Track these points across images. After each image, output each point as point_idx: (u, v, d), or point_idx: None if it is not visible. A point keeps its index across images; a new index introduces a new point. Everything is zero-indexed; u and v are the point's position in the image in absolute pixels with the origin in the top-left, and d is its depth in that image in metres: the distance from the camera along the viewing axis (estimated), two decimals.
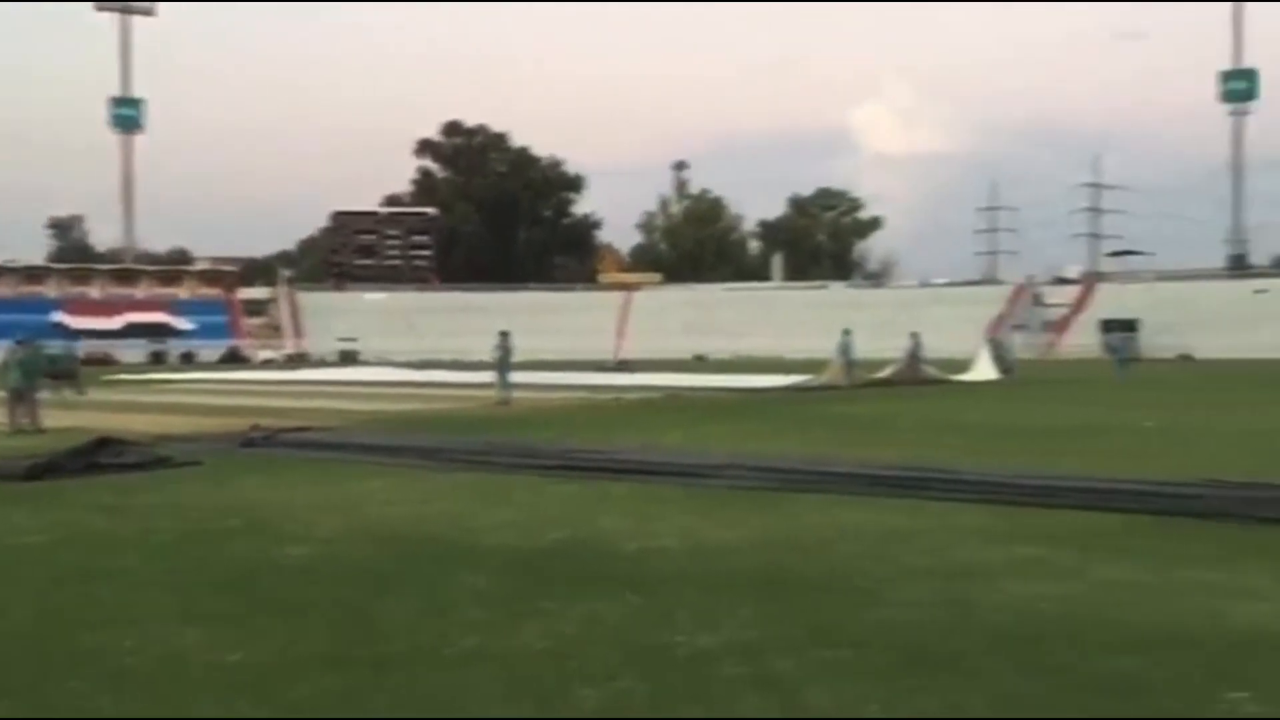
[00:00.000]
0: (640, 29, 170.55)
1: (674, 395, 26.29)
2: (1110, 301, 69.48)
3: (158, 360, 64.85)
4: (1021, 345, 58.12)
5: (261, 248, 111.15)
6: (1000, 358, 36.28)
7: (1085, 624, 5.66)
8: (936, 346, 36.78)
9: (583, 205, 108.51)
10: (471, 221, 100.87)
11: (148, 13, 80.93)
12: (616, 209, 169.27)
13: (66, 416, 19.29)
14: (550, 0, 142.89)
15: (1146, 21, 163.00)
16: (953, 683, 4.75)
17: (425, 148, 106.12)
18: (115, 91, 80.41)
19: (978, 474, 10.84)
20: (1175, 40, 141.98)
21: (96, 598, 6.53)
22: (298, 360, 65.06)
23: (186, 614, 6.07)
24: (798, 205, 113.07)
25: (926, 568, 7.07)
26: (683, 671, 4.94)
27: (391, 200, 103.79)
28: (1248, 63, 77.77)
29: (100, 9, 79.71)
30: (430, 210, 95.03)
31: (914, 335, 33.94)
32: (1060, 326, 70.51)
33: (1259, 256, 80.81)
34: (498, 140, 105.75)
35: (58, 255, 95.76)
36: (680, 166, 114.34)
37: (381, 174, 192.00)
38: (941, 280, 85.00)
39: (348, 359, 65.32)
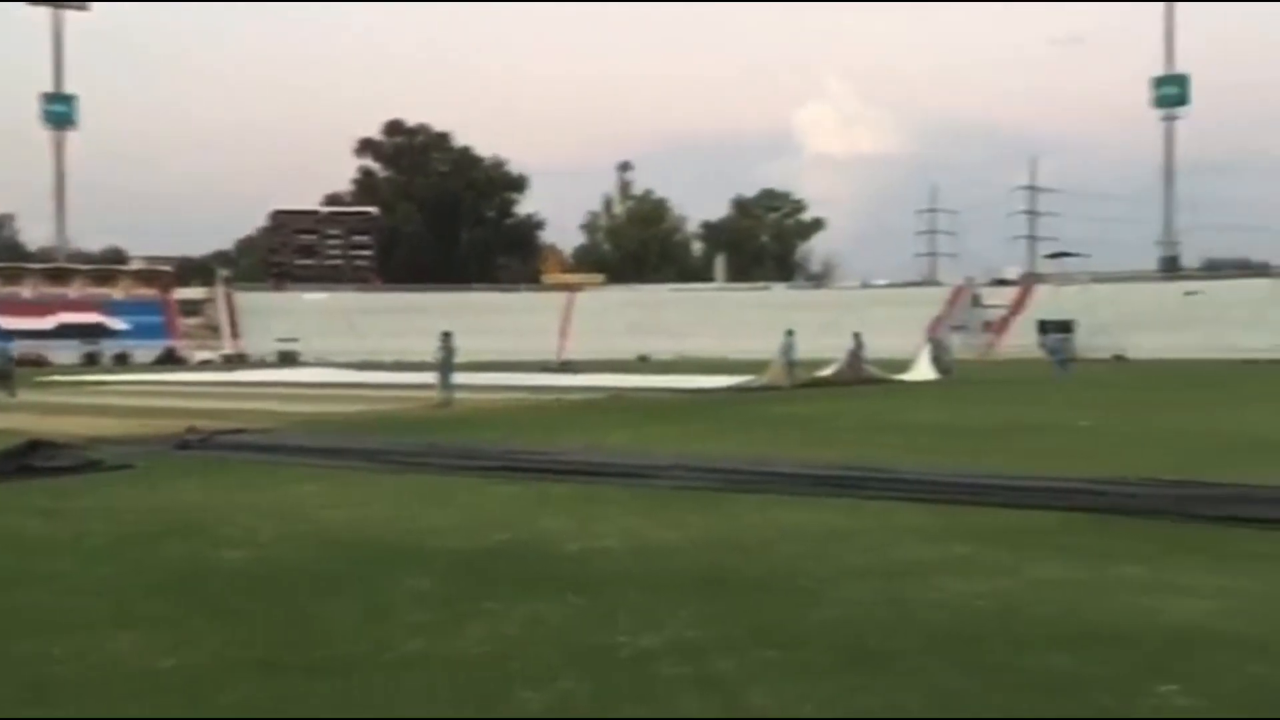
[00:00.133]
0: (583, 29, 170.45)
1: (617, 396, 26.28)
2: (1047, 303, 70.60)
3: (91, 361, 63.62)
4: (961, 346, 58.82)
5: (198, 247, 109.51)
6: (939, 358, 36.72)
7: (1021, 621, 5.73)
8: (877, 347, 37.14)
9: (526, 205, 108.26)
10: (413, 221, 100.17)
11: (81, 8, 79.37)
12: (560, 209, 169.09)
13: None
14: (493, 1, 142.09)
15: (1084, 27, 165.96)
16: (891, 681, 4.79)
17: (366, 147, 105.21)
18: (47, 87, 78.77)
19: (916, 473, 10.96)
20: (1111, 46, 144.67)
21: (27, 603, 6.39)
22: (236, 361, 64.16)
23: (119, 619, 5.96)
24: (741, 206, 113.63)
25: (866, 567, 7.13)
26: (625, 672, 4.93)
27: (332, 200, 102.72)
28: (1179, 68, 79.46)
29: (33, 4, 78.05)
30: (371, 210, 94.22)
31: (856, 335, 34.29)
32: (999, 327, 71.49)
33: (1190, 259, 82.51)
34: (440, 140, 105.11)
35: None
36: (624, 167, 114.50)
37: (321, 173, 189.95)
38: (882, 281, 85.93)
39: (287, 360, 64.52)
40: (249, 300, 79.27)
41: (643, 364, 54.79)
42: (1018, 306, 73.10)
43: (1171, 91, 79.04)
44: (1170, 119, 79.79)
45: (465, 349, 27.91)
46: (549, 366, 45.57)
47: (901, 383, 32.29)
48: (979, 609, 6.01)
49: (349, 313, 76.28)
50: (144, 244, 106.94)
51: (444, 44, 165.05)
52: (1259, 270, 75.51)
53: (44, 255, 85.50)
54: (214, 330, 75.03)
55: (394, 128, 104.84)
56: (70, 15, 78.86)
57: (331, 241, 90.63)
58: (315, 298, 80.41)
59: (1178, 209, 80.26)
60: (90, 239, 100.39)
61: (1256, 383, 31.56)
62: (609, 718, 4.42)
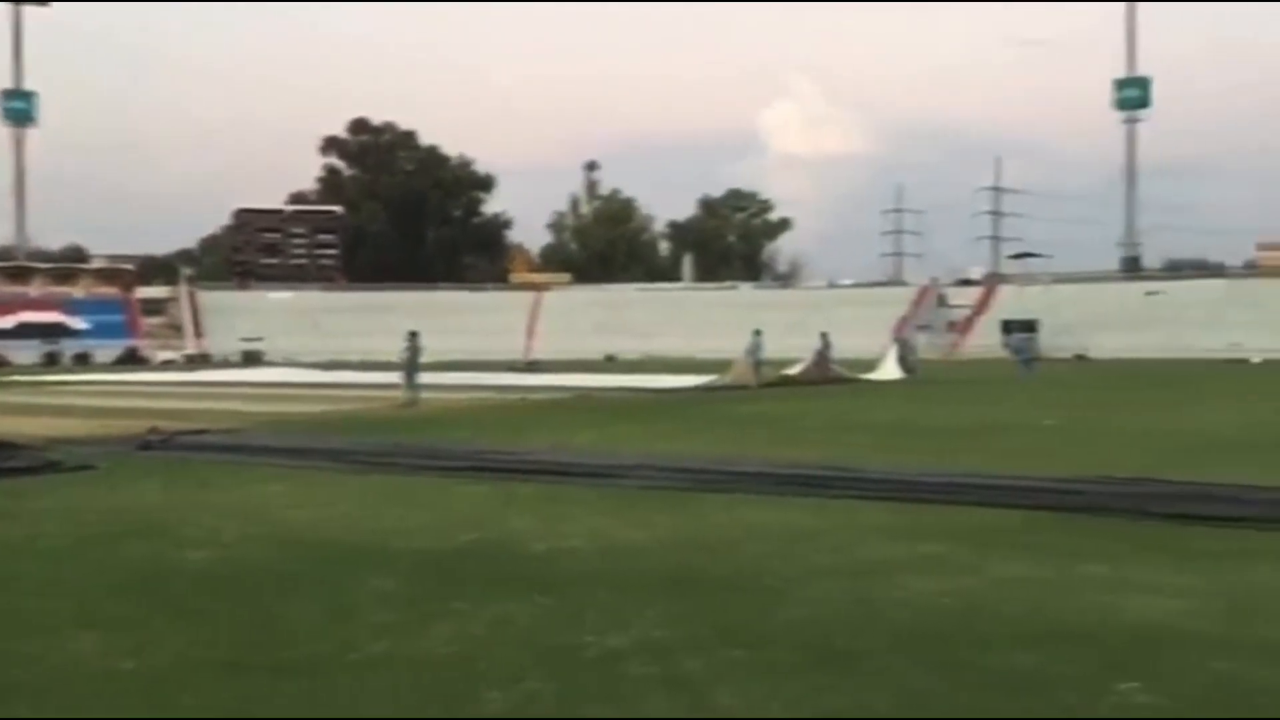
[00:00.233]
0: (550, 28, 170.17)
1: (584, 395, 26.27)
2: (1010, 303, 71.18)
3: (51, 361, 62.86)
4: (926, 345, 59.24)
5: (161, 245, 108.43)
6: (905, 358, 36.98)
7: (986, 620, 5.77)
8: (843, 346, 37.33)
9: (492, 205, 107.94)
10: (379, 220, 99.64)
11: (42, 4, 78.40)
12: (526, 209, 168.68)
13: None
14: (459, 1, 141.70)
15: (1048, 30, 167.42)
16: (858, 680, 4.80)
17: (331, 145, 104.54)
18: (6, 84, 77.77)
19: (882, 473, 11.02)
20: (1075, 48, 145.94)
21: None
22: (199, 361, 63.61)
23: (80, 620, 5.89)
24: (708, 206, 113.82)
25: (832, 566, 7.15)
26: (591, 672, 4.92)
27: (296, 198, 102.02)
28: (1141, 71, 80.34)
29: None
30: (336, 209, 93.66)
31: (823, 335, 34.47)
32: (963, 327, 72.01)
33: (1151, 259, 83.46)
34: (406, 138, 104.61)
35: None
36: (591, 167, 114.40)
37: (286, 171, 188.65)
38: (848, 281, 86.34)
39: (251, 360, 64.05)
40: (212, 299, 78.59)
41: (610, 364, 54.77)
42: (982, 306, 73.67)
43: (1133, 94, 79.92)
44: (1132, 121, 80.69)
45: (432, 349, 27.80)
46: (516, 366, 45.47)
47: (868, 382, 32.46)
48: (944, 608, 6.05)
49: (314, 312, 75.77)
50: (105, 242, 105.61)
51: (410, 42, 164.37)
52: (1215, 271, 76.55)
53: (3, 254, 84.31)
54: (177, 330, 74.31)
55: (359, 126, 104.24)
56: (30, 10, 77.95)
57: (296, 240, 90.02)
58: (280, 297, 79.82)
59: (1139, 210, 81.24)
60: (51, 237, 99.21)
61: (1213, 382, 31.97)
62: (575, 718, 4.42)
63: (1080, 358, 57.21)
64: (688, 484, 10.73)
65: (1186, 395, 26.53)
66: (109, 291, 76.41)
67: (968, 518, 8.83)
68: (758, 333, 31.41)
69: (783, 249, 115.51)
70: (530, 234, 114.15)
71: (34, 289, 74.02)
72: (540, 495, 10.25)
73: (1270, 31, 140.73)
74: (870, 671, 4.92)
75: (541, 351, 62.97)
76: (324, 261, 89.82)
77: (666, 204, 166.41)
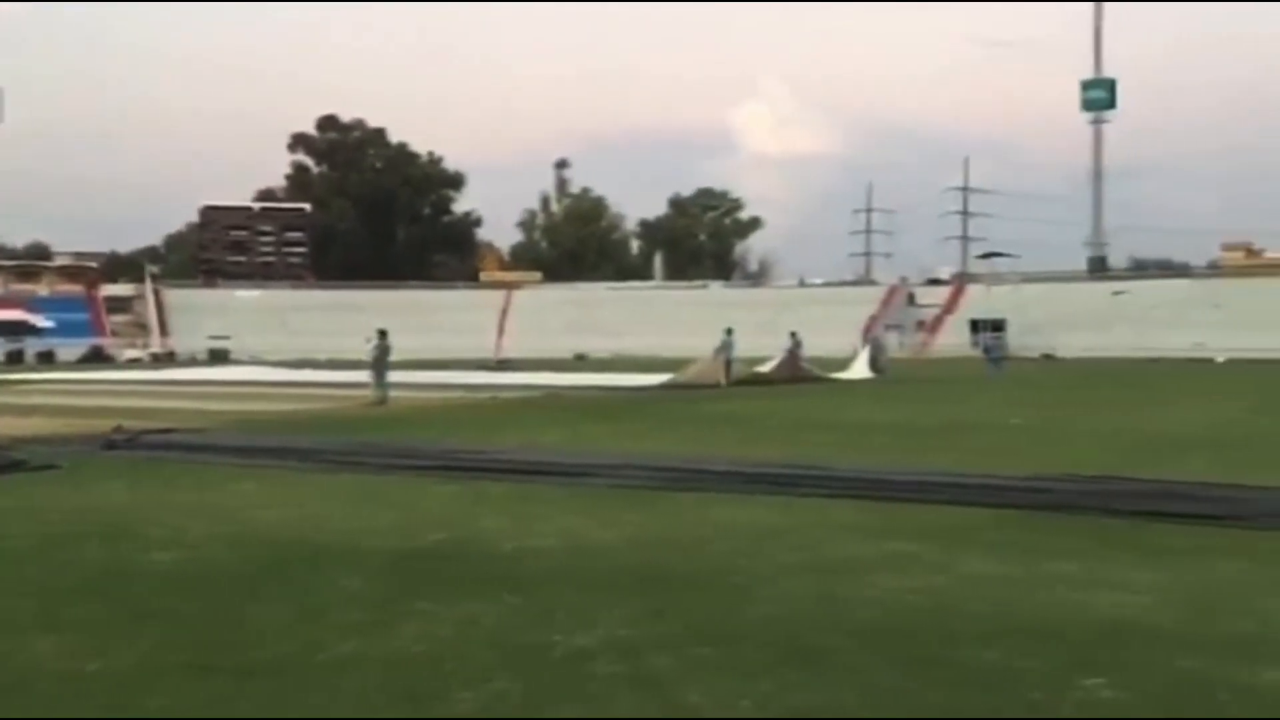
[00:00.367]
0: (520, 26, 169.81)
1: (554, 394, 26.23)
2: (979, 302, 71.68)
3: (14, 360, 62.05)
4: (895, 345, 59.56)
5: (126, 243, 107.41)
6: (875, 358, 37.23)
7: (954, 617, 5.80)
8: (813, 345, 37.47)
9: (462, 203, 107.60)
10: (348, 218, 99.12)
11: None
12: (496, 207, 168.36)
13: None
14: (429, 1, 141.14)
15: (1016, 31, 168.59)
16: (827, 677, 4.82)
17: (299, 142, 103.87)
18: None
19: (851, 471, 11.07)
20: (1042, 50, 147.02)
21: None
22: (165, 360, 63.06)
23: (43, 622, 5.82)
24: (678, 205, 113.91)
25: (801, 564, 7.17)
26: (559, 671, 4.91)
27: (265, 195, 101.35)
28: (1108, 73, 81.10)
29: None
30: (304, 206, 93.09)
31: (793, 334, 34.61)
32: (933, 326, 72.44)
33: (1117, 259, 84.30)
34: (375, 136, 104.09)
35: None
36: (561, 165, 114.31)
37: (254, 169, 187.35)
38: (818, 281, 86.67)
39: (218, 358, 63.57)
40: (179, 297, 77.97)
41: (580, 362, 54.72)
42: (950, 306, 74.15)
43: (1099, 95, 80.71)
44: (1098, 122, 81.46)
45: (402, 347, 27.68)
46: (486, 365, 45.35)
47: (837, 381, 32.59)
48: (913, 605, 6.08)
49: (282, 310, 75.29)
50: (70, 239, 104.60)
51: (379, 39, 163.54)
52: (1180, 271, 77.40)
53: None
54: (142, 328, 73.66)
55: (328, 123, 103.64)
56: None
57: (264, 238, 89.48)
58: (247, 295, 79.29)
59: (1106, 211, 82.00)
60: (14, 234, 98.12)
61: (1178, 382, 32.31)
62: (543, 718, 4.41)
63: (1047, 357, 57.67)
64: (657, 483, 10.73)
65: (1151, 395, 26.79)
66: (73, 289, 75.68)
67: (936, 516, 8.88)
68: (729, 331, 31.47)
69: (753, 248, 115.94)
70: (500, 232, 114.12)
71: None
72: (510, 494, 10.22)
73: (1234, 33, 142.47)
74: (839, 668, 4.94)
75: (512, 350, 62.82)
76: (292, 259, 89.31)
77: (637, 203, 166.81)
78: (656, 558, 7.40)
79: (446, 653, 5.19)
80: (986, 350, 43.86)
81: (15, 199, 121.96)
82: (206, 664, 5.08)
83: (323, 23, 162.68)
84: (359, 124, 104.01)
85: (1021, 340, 60.02)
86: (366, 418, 19.89)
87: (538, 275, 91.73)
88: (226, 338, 68.41)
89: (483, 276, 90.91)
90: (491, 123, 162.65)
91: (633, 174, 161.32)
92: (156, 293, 77.13)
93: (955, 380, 33.40)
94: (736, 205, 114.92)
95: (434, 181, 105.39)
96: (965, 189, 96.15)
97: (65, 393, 29.36)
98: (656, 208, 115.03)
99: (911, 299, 76.53)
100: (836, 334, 55.87)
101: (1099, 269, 79.20)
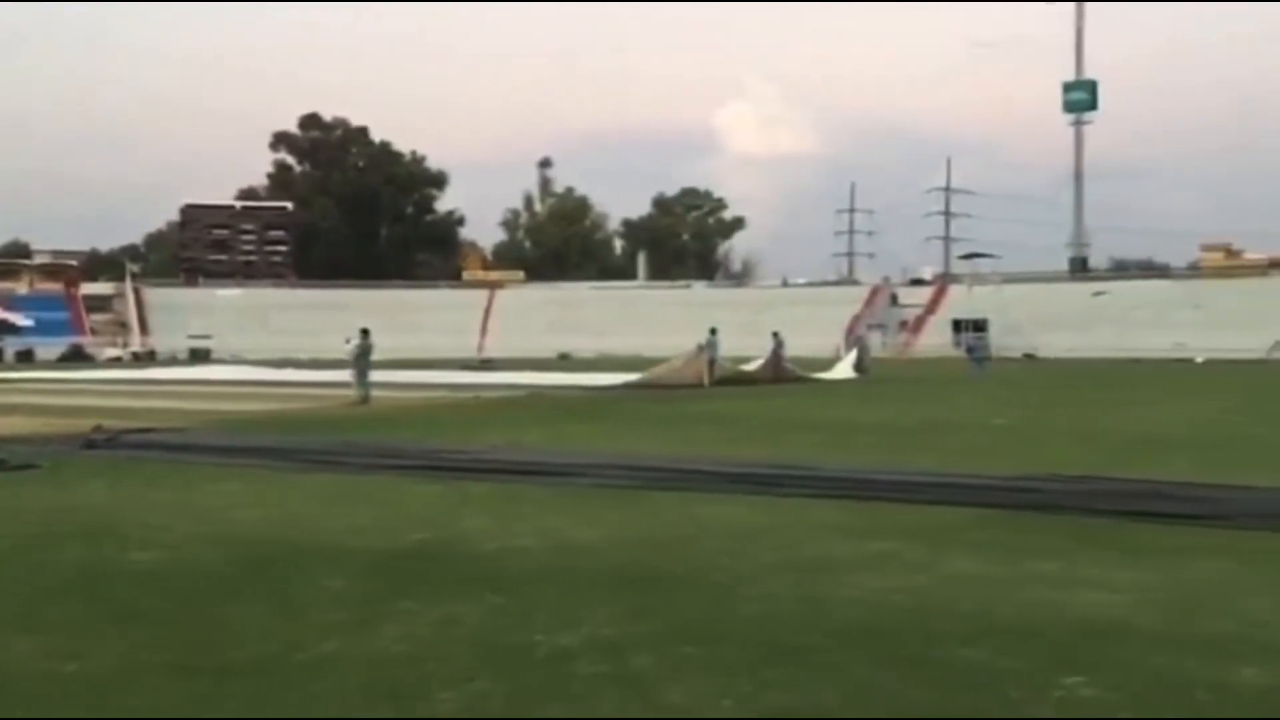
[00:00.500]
0: (503, 25, 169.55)
1: (537, 394, 26.19)
2: (961, 303, 71.93)
3: None
4: (878, 345, 59.74)
5: (107, 241, 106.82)
6: (860, 359, 37.40)
7: (936, 616, 5.81)
8: (796, 345, 37.56)
9: (445, 202, 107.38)
10: (331, 217, 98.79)
11: None
12: (479, 206, 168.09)
13: None
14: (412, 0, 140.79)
15: (1000, 32, 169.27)
16: (808, 676, 4.82)
17: (281, 141, 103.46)
18: None
19: (834, 471, 11.08)
20: (1026, 51, 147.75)
21: None
22: (145, 359, 62.72)
23: (21, 623, 5.77)
24: (662, 205, 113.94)
25: (783, 563, 7.18)
26: (542, 671, 4.90)
27: (246, 194, 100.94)
28: (1089, 74, 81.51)
29: None
30: (287, 205, 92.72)
31: (776, 335, 34.66)
32: (915, 326, 72.67)
33: (1099, 260, 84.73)
34: (358, 135, 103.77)
35: None
36: (545, 164, 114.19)
37: (235, 167, 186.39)
38: (801, 281, 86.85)
39: (199, 357, 63.28)
40: (159, 296, 77.60)
41: (563, 362, 54.69)
42: (933, 306, 74.38)
43: (1080, 97, 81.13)
44: (1079, 124, 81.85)
45: (384, 347, 27.63)
46: (469, 364, 45.28)
47: (821, 381, 32.65)
48: (895, 604, 6.08)
49: (264, 309, 75.03)
50: (49, 237, 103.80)
51: (361, 38, 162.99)
52: (1161, 272, 77.86)
53: None
54: (123, 327, 73.27)
55: (310, 121, 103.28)
56: None
57: (245, 237, 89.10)
58: (229, 294, 78.99)
59: (1087, 211, 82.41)
60: None
61: (1158, 382, 32.49)
62: (525, 718, 4.39)
63: (1029, 357, 57.93)
64: (640, 482, 10.72)
65: (1133, 395, 26.93)
66: (53, 287, 75.22)
67: (919, 516, 8.90)
68: (713, 331, 31.47)
69: (736, 248, 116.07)
70: (483, 232, 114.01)
71: None
72: (493, 494, 10.20)
73: (1218, 35, 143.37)
74: (821, 668, 4.94)
75: (495, 350, 62.76)
76: (274, 258, 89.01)
77: (621, 202, 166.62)
78: (639, 557, 7.40)
79: (428, 653, 5.17)
80: (970, 350, 44.10)
81: None
82: (187, 664, 5.05)
83: (306, 21, 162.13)
84: (341, 123, 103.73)
85: (1003, 341, 60.28)
86: (349, 417, 19.82)
87: (521, 275, 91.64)
88: (208, 337, 68.14)
89: (466, 276, 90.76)
90: (475, 122, 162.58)
91: (616, 173, 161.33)
92: (137, 291, 76.77)
93: (938, 380, 33.51)
94: (720, 205, 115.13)
95: (417, 180, 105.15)
96: (948, 189, 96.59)
97: (45, 392, 29.18)
98: (640, 207, 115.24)
99: (894, 299, 76.77)
100: (819, 334, 56.08)
101: (1080, 270, 79.58)
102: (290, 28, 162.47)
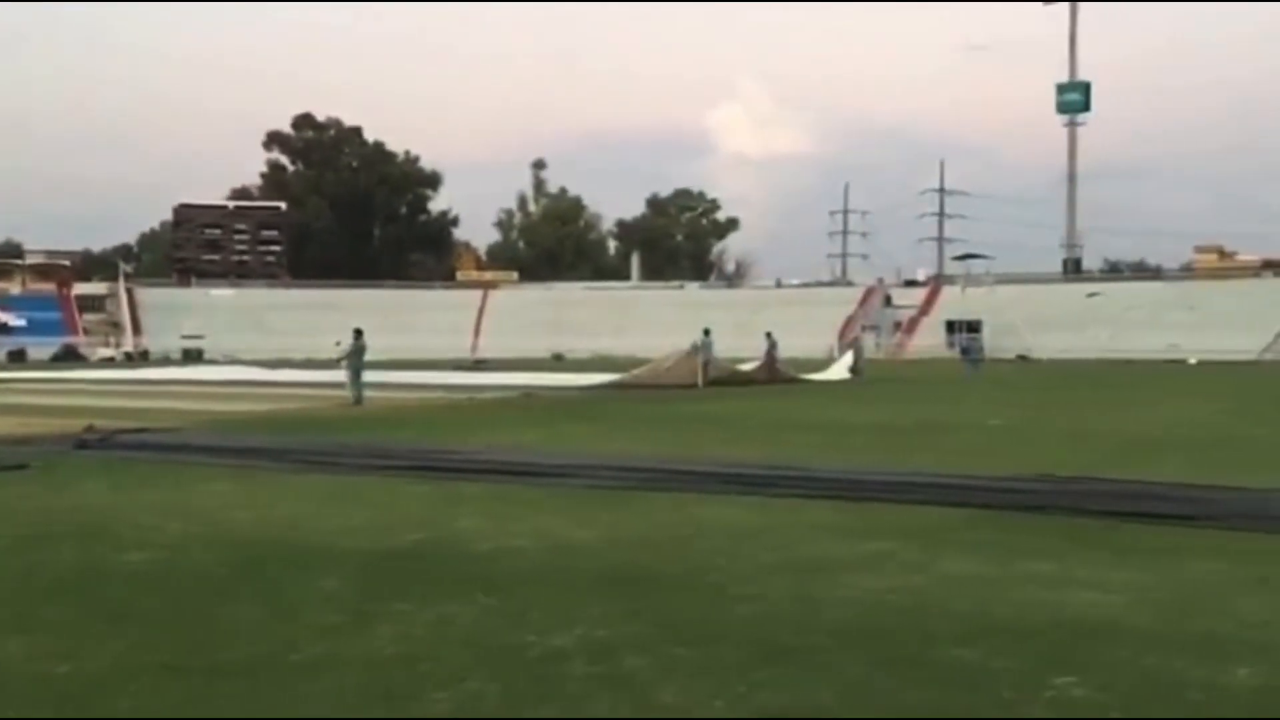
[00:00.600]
0: (497, 25, 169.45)
1: (530, 394, 26.18)
2: (954, 304, 71.99)
3: None
4: (872, 346, 59.82)
5: (100, 241, 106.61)
6: (855, 360, 37.50)
7: (930, 616, 5.82)
8: (790, 346, 37.60)
9: (439, 202, 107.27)
10: (324, 217, 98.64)
11: None
12: (473, 206, 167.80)
13: None
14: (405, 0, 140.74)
15: (994, 34, 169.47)
16: (801, 676, 4.82)
17: (274, 140, 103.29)
18: None
19: (829, 471, 11.08)
20: (1020, 53, 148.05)
21: None
22: (138, 359, 62.60)
23: (13, 624, 5.76)
24: (656, 206, 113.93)
25: (778, 564, 7.18)
26: (535, 672, 4.90)
27: (239, 194, 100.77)
28: (1083, 76, 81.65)
29: None
30: (280, 205, 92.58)
31: (768, 335, 34.69)
32: (909, 327, 72.74)
33: (1092, 261, 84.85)
34: (351, 135, 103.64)
35: None
36: (539, 165, 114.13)
37: (229, 167, 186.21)
38: (795, 281, 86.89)
39: (192, 357, 63.18)
40: (152, 296, 77.44)
41: (557, 363, 54.68)
42: (927, 307, 74.44)
43: (1074, 98, 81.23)
44: (1073, 125, 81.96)
45: (378, 347, 27.58)
46: (463, 365, 45.26)
47: (814, 382, 32.67)
48: (890, 604, 6.09)
49: (257, 309, 74.91)
50: (42, 237, 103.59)
51: (355, 38, 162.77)
52: (1154, 273, 78.03)
53: None
54: (116, 327, 73.13)
55: (303, 121, 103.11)
56: None
57: (239, 237, 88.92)
58: (222, 294, 78.88)
59: (1081, 213, 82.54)
60: None
61: (1152, 383, 32.55)
62: (518, 718, 4.39)
63: (1022, 358, 58.00)
64: (634, 483, 10.72)
65: (1126, 396, 26.99)
66: (46, 287, 75.05)
67: (914, 516, 8.91)
68: (707, 332, 31.50)
69: (730, 249, 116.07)
70: (477, 232, 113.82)
71: None
72: (486, 495, 10.20)
73: (1208, 37, 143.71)
74: (815, 668, 4.94)
75: (488, 350, 62.75)
76: (267, 259, 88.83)
77: (614, 203, 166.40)
78: (633, 558, 7.40)
79: (422, 653, 5.17)
80: (965, 351, 44.22)
81: None
82: (180, 664, 5.04)
83: (299, 21, 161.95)
84: (335, 123, 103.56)
85: (997, 341, 60.37)
86: (342, 418, 19.80)
87: (515, 275, 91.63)
88: (201, 337, 68.03)
89: (459, 276, 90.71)
90: (469, 122, 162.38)
91: (610, 174, 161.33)
92: (130, 291, 76.60)
93: (932, 381, 33.56)
94: (714, 206, 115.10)
95: (410, 180, 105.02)
96: (941, 191, 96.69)
97: (37, 392, 29.13)
98: (634, 208, 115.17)
99: (888, 300, 76.79)
100: (812, 335, 56.11)
101: (1074, 271, 79.71)
102: (283, 28, 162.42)
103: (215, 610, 6.03)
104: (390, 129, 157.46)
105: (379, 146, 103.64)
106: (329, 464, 12.40)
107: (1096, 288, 72.35)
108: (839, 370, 36.08)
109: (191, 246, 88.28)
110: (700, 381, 29.63)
